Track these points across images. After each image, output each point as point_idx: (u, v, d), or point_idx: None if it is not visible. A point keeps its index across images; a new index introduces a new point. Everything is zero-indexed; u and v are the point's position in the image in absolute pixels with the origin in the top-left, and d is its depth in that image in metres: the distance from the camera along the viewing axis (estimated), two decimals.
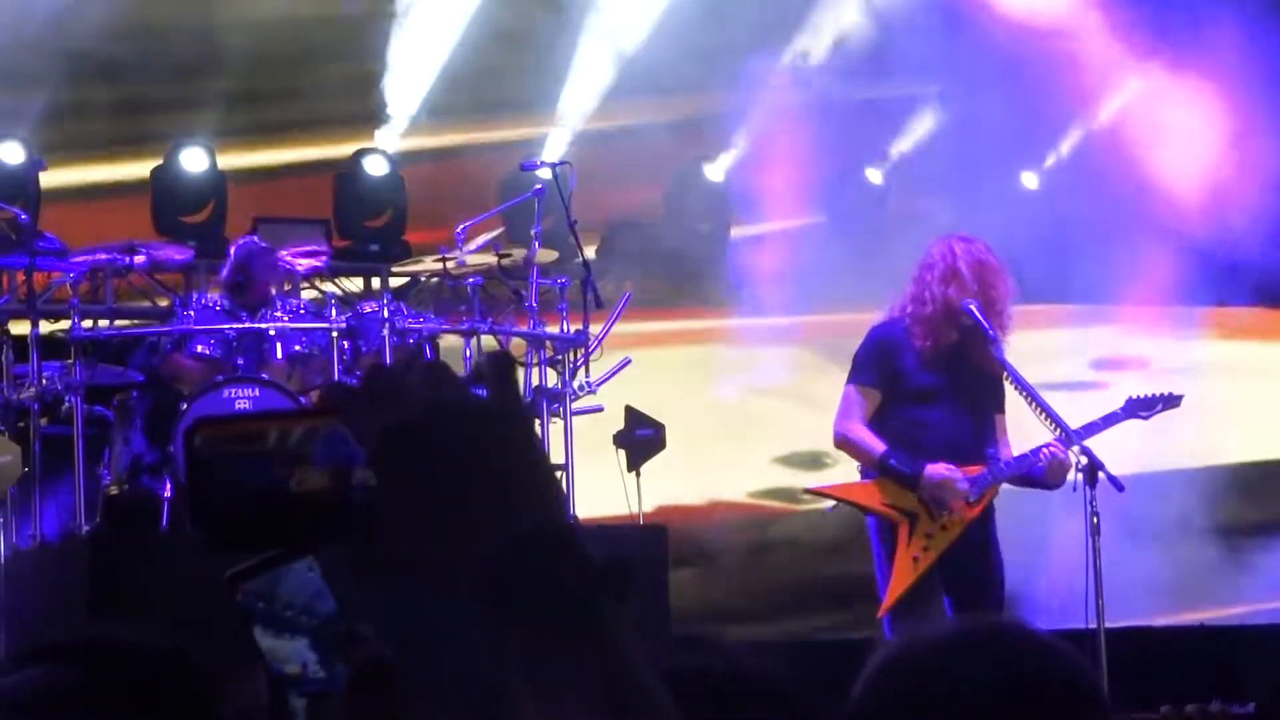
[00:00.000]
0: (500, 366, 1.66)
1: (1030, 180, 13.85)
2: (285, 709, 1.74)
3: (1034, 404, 8.26)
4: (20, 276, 10.47)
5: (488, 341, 10.18)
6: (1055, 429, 8.24)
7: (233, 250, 10.20)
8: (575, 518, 9.97)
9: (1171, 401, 8.70)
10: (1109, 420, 8.46)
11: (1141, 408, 8.59)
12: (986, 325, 7.99)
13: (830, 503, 8.49)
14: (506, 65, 12.64)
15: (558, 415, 10.09)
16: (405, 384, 1.62)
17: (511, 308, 10.66)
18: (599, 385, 10.41)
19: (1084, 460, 8.25)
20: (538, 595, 1.61)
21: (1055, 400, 8.48)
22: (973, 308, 7.98)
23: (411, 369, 1.61)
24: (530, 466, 1.65)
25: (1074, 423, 8.29)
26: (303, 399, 9.40)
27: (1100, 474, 8.21)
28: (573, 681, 1.64)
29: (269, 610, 1.69)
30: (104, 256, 10.22)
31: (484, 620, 1.65)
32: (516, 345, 10.35)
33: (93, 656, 2.01)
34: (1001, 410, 8.24)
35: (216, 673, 2.13)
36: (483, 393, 1.64)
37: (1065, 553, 9.17)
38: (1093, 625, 8.27)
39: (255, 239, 10.44)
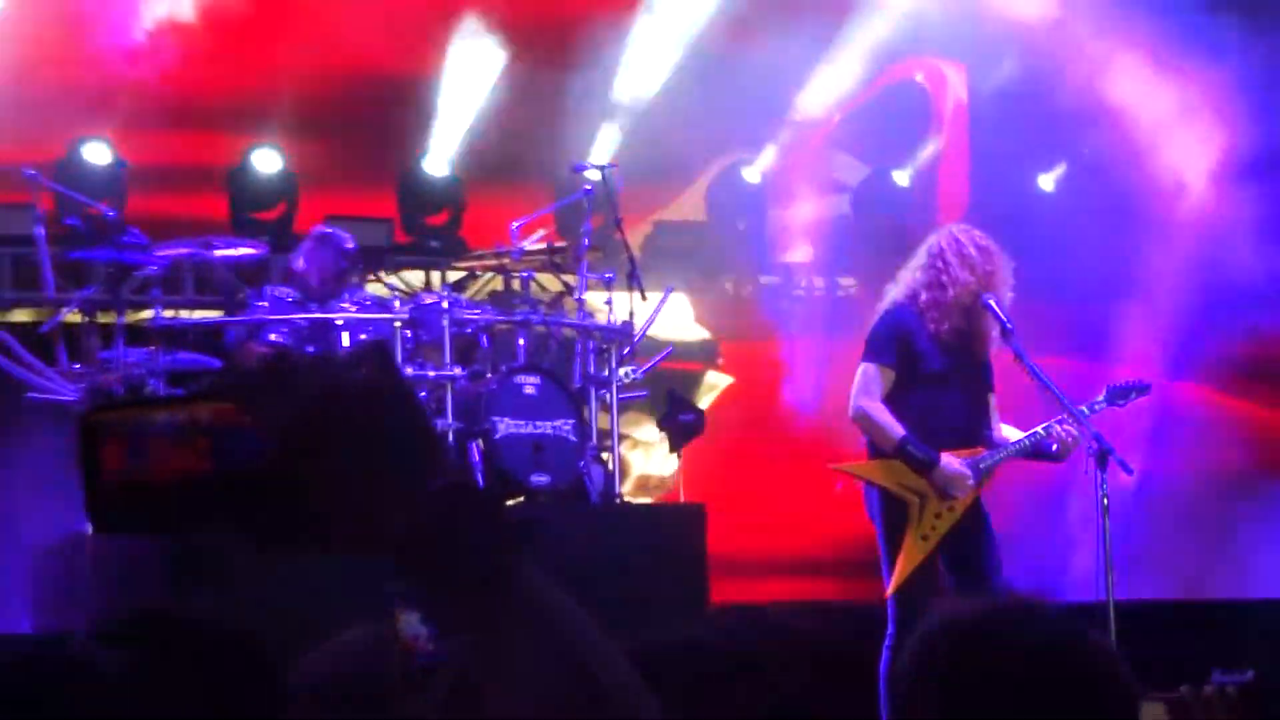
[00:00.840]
0: (377, 351, 1.76)
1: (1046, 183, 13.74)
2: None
3: (1046, 388, 8.22)
4: (109, 269, 10.43)
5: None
6: (1065, 412, 8.25)
7: (303, 246, 10.33)
8: (620, 495, 10.15)
9: (1142, 389, 8.67)
10: (1093, 408, 8.39)
11: (1119, 395, 8.56)
12: (1005, 319, 8.02)
13: (839, 485, 8.46)
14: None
15: (605, 400, 10.16)
16: (297, 375, 1.70)
17: (562, 300, 10.67)
18: (643, 373, 10.50)
19: (1095, 445, 8.31)
20: (454, 551, 1.69)
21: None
22: (991, 301, 8.02)
23: (300, 362, 1.78)
24: (423, 435, 1.74)
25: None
26: None
27: (1110, 457, 8.19)
28: (503, 628, 1.72)
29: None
30: (184, 251, 10.29)
31: (409, 578, 1.71)
32: (567, 335, 10.40)
33: (170, 632, 2.03)
34: (993, 390, 8.23)
35: (284, 648, 2.18)
36: (362, 376, 1.70)
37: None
38: (1103, 599, 8.23)
39: (321, 235, 10.48)
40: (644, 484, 12.19)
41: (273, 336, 9.79)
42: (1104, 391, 8.52)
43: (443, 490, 1.71)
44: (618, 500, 9.97)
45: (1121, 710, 2.31)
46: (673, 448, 10.87)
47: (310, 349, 9.66)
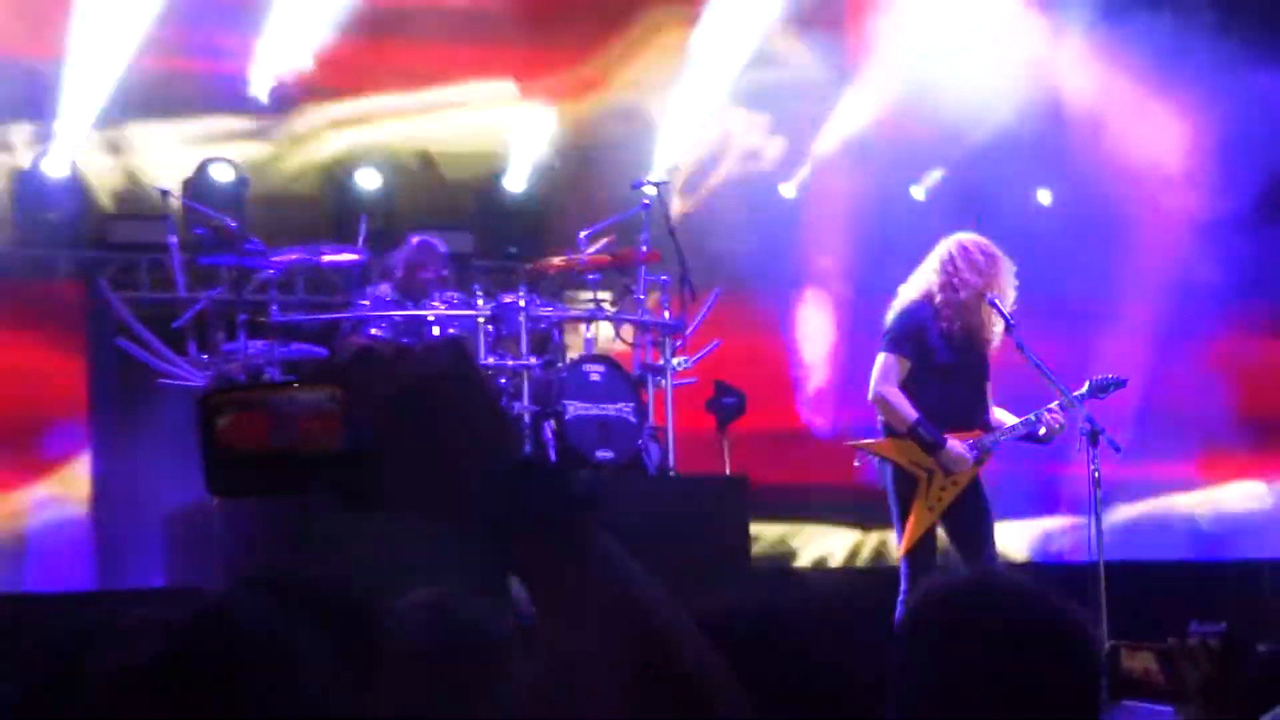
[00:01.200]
0: (454, 344, 1.85)
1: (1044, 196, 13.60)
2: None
3: (1044, 376, 8.27)
4: (232, 272, 10.47)
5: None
6: (1062, 398, 8.27)
7: (398, 251, 10.32)
8: (673, 469, 10.11)
9: (1119, 383, 8.60)
10: (1079, 400, 8.34)
11: (1099, 389, 8.49)
12: (1007, 316, 8.06)
13: (858, 461, 8.36)
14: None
15: (660, 386, 10.10)
16: (384, 364, 1.69)
17: (623, 299, 10.66)
18: (694, 363, 10.46)
19: (1088, 425, 8.32)
20: (525, 516, 1.67)
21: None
22: (996, 301, 8.05)
23: (386, 352, 1.78)
24: (493, 417, 1.73)
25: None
26: None
27: (1101, 437, 8.27)
28: (572, 584, 1.69)
29: None
30: (296, 257, 10.34)
31: (485, 539, 1.69)
32: (627, 330, 10.35)
33: (290, 588, 2.03)
34: (989, 380, 8.25)
35: (384, 604, 2.17)
36: (440, 365, 1.71)
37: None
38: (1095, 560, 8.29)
39: (416, 242, 10.46)
40: None
41: (373, 331, 9.76)
42: (1086, 384, 8.46)
43: (514, 466, 1.70)
44: (671, 473, 9.95)
45: (1083, 665, 2.32)
46: (719, 427, 10.87)
47: (405, 341, 9.62)
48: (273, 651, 1.80)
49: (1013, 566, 8.44)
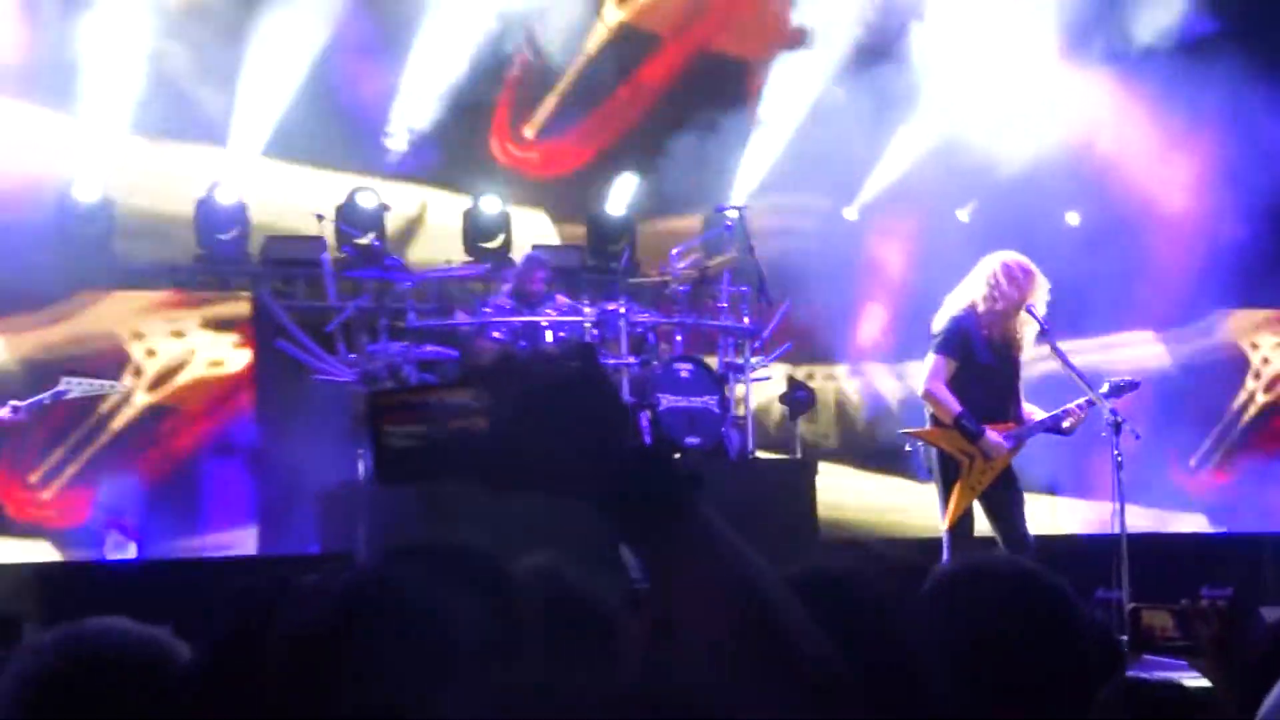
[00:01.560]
0: (585, 348, 1.82)
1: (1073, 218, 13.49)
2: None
3: (1075, 376, 8.31)
4: (375, 284, 10.69)
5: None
6: (1089, 395, 8.30)
7: (517, 266, 10.44)
8: (752, 453, 10.15)
9: (1134, 385, 8.64)
10: (1104, 397, 8.35)
11: (1116, 391, 8.49)
12: (1043, 322, 8.09)
13: (909, 446, 8.37)
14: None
15: (741, 382, 10.16)
16: (522, 365, 1.72)
17: (709, 307, 10.65)
18: (770, 361, 10.53)
19: (1111, 417, 8.36)
20: (641, 495, 1.67)
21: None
22: (1034, 310, 8.10)
23: (522, 355, 1.81)
24: (617, 409, 1.73)
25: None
26: None
27: (1123, 426, 8.32)
28: (680, 553, 1.68)
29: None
30: (431, 271, 10.54)
31: (604, 515, 1.69)
32: (710, 334, 10.40)
33: (432, 555, 1.96)
34: (1020, 379, 8.22)
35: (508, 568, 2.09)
36: (573, 366, 1.71)
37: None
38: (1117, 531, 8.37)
39: (524, 257, 10.56)
40: None
41: (495, 334, 9.83)
42: (1106, 384, 8.47)
43: (631, 450, 1.71)
44: (750, 456, 10.00)
45: (1073, 629, 2.29)
46: (791, 418, 10.87)
47: (522, 344, 9.71)
48: (428, 613, 1.80)
49: (1041, 539, 8.41)
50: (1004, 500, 8.10)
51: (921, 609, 2.33)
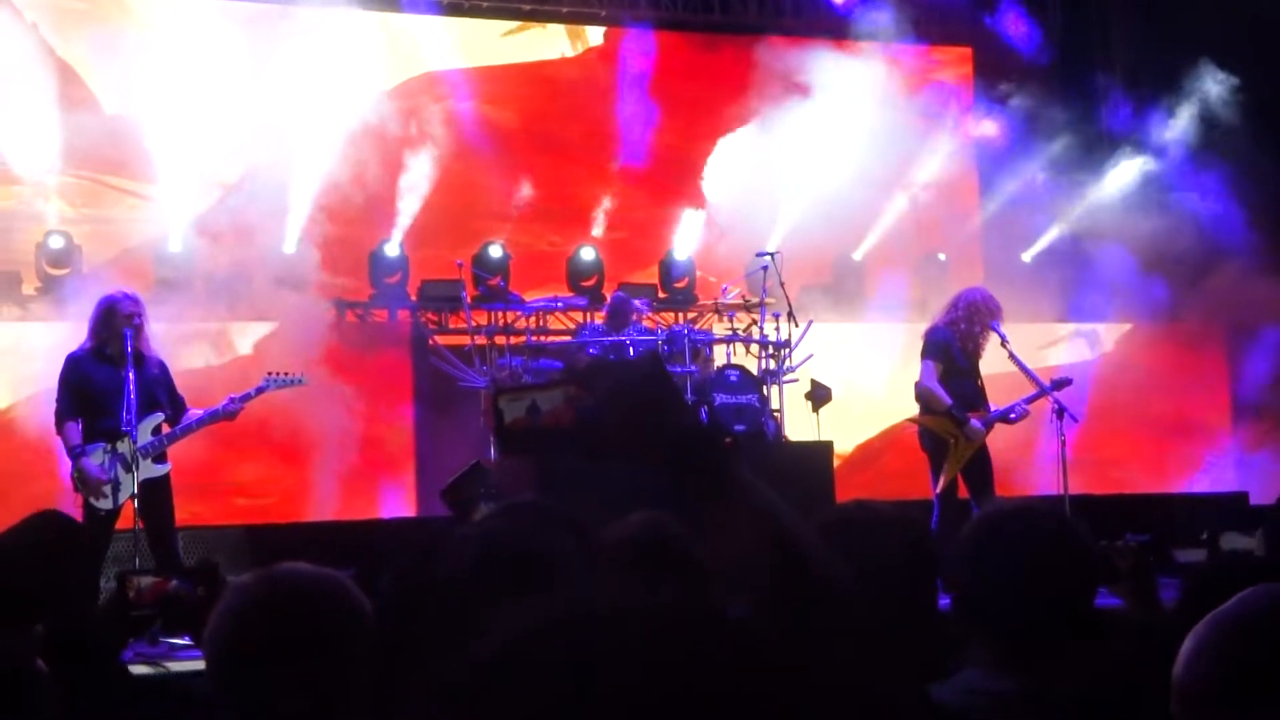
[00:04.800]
0: (654, 356, 1.89)
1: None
2: None
3: (1028, 376, 8.29)
4: (501, 314, 10.73)
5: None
6: (1042, 388, 8.26)
7: (610, 305, 10.42)
8: (785, 437, 10.05)
9: (1068, 381, 8.63)
10: (1049, 389, 8.37)
11: (1057, 384, 8.48)
12: (1003, 335, 8.10)
13: (913, 427, 8.37)
14: None
15: (775, 383, 10.07)
16: (610, 367, 1.80)
17: (753, 327, 10.61)
18: (796, 368, 10.43)
19: (1057, 405, 8.32)
20: (696, 463, 1.68)
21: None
22: (999, 326, 8.08)
23: (609, 362, 1.80)
24: (678, 399, 1.76)
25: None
26: None
27: (1065, 413, 8.28)
28: (729, 514, 1.69)
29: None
30: (542, 304, 10.58)
31: (668, 480, 1.70)
32: (752, 350, 10.30)
33: (538, 510, 2.00)
34: (978, 375, 8.19)
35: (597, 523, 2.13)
36: (646, 369, 1.74)
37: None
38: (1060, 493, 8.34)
39: (612, 297, 10.54)
40: None
41: (590, 351, 9.82)
42: (1050, 381, 8.47)
43: (687, 430, 1.71)
44: (783, 440, 9.93)
45: (1082, 565, 2.27)
46: (814, 409, 10.79)
47: (613, 357, 9.70)
48: (537, 554, 1.82)
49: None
50: (981, 473, 8.05)
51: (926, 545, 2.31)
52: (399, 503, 10.88)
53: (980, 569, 2.21)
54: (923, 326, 8.49)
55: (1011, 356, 8.20)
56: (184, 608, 2.71)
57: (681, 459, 1.68)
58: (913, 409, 8.36)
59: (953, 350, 8.06)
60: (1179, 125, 12.51)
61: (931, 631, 2.32)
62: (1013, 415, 8.19)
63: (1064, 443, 8.36)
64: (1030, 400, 8.26)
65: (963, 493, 8.07)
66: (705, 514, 1.70)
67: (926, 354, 8.12)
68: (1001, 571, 2.18)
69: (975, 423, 7.99)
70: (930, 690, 2.15)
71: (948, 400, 7.97)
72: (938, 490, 8.03)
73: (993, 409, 8.16)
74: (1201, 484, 11.99)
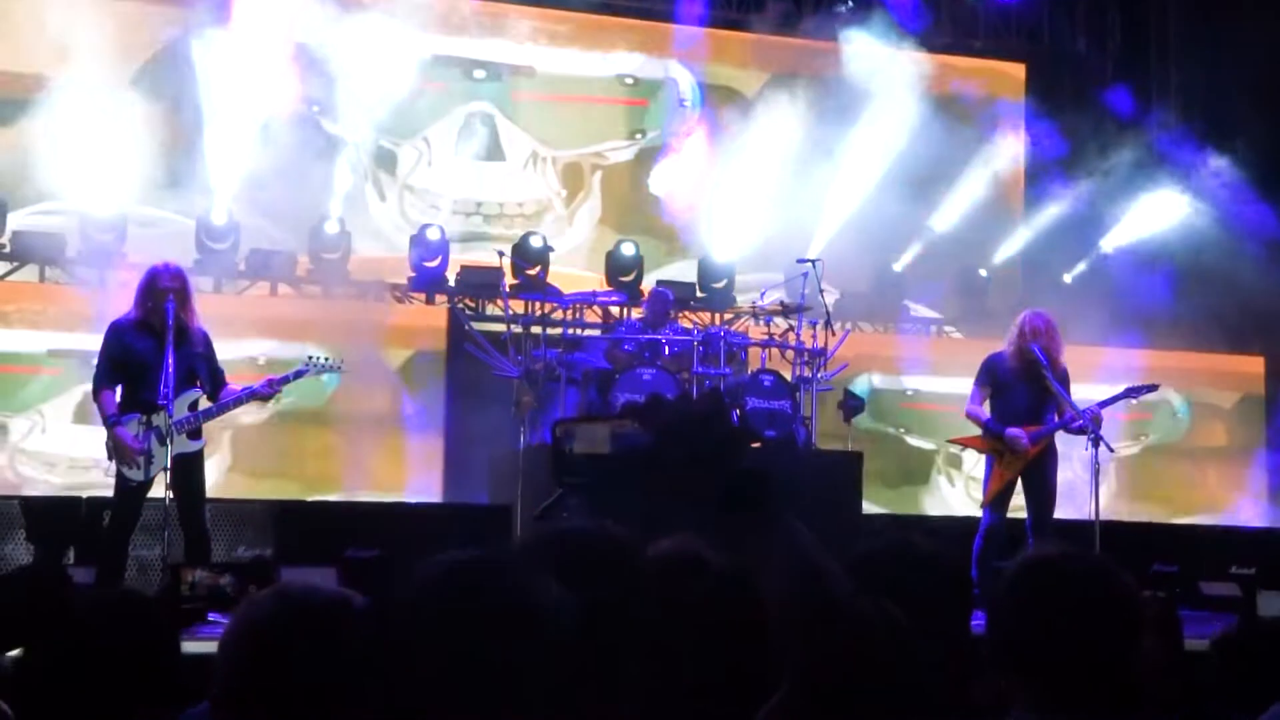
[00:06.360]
0: (715, 396, 1.92)
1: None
2: None
3: (1063, 400, 8.26)
4: (538, 305, 10.70)
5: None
6: (1077, 415, 8.22)
7: (649, 300, 10.38)
8: (815, 444, 10.01)
9: (1152, 388, 8.73)
10: (1114, 399, 8.47)
11: (1133, 393, 8.58)
12: (1044, 359, 8.14)
13: (956, 447, 8.51)
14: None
15: (809, 391, 10.00)
16: (671, 406, 1.84)
17: (789, 333, 10.55)
18: (830, 377, 10.40)
19: (1093, 433, 8.26)
20: (745, 503, 1.77)
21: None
22: (1037, 349, 8.12)
23: (673, 401, 1.83)
24: (735, 443, 1.86)
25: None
26: (676, 375, 9.41)
27: (1101, 441, 8.23)
28: (765, 541, 1.77)
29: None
30: (579, 296, 10.56)
31: (715, 513, 1.80)
32: (787, 356, 10.25)
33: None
34: (1049, 392, 8.21)
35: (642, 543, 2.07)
36: (702, 408, 1.85)
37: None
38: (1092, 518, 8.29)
39: (651, 292, 10.50)
40: None
41: (625, 347, 9.76)
42: (1124, 390, 8.58)
43: (740, 471, 1.77)
44: (813, 448, 9.90)
45: (1125, 614, 2.23)
46: (845, 419, 10.76)
47: (647, 355, 9.64)
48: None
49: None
50: (1035, 484, 8.20)
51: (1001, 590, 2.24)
52: (427, 486, 10.89)
53: (1023, 617, 2.19)
54: (958, 339, 8.56)
55: (1048, 380, 8.19)
56: (235, 604, 2.70)
57: (730, 498, 1.73)
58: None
59: (999, 370, 8.27)
60: (1225, 159, 12.44)
61: (959, 660, 2.31)
62: (1073, 427, 8.19)
63: (1097, 469, 8.31)
64: (1065, 423, 8.25)
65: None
66: (746, 549, 1.76)
67: (975, 378, 8.38)
68: (1045, 622, 2.17)
69: (1013, 431, 8.13)
70: None
71: (983, 418, 8.24)
72: (985, 500, 8.29)
73: (1049, 423, 8.27)
74: (1232, 516, 11.86)
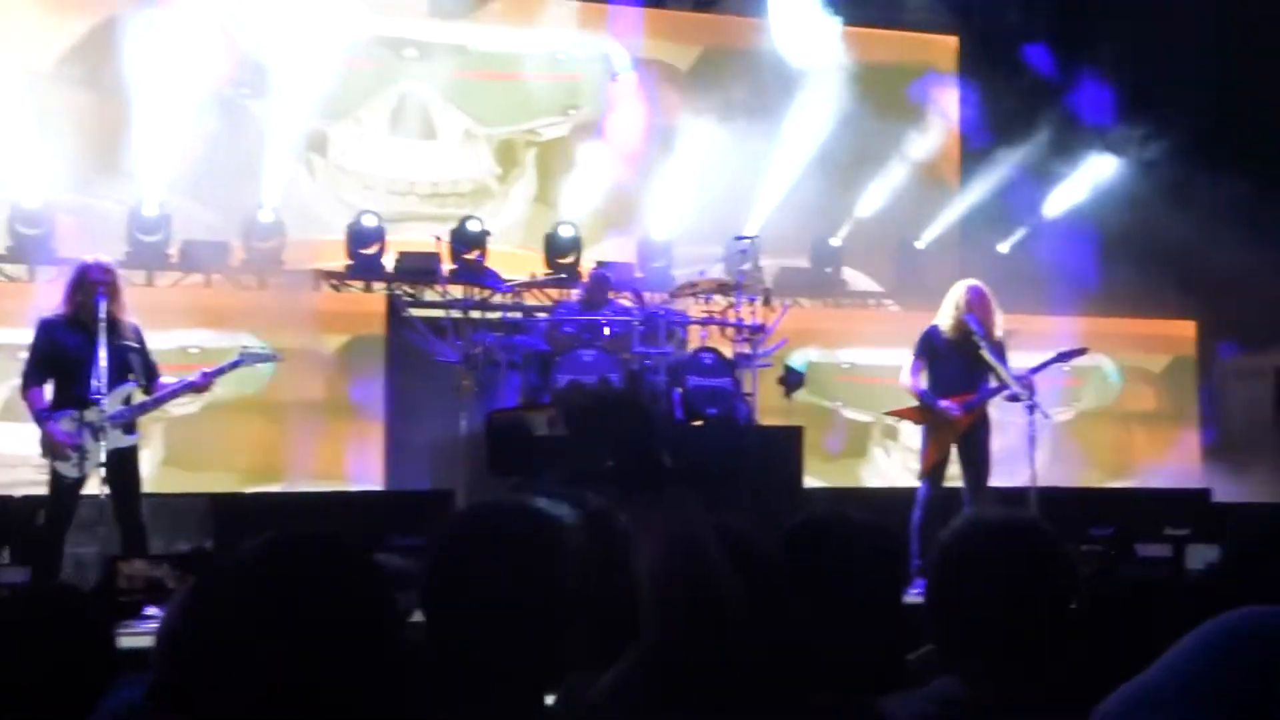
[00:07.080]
0: (634, 383, 1.99)
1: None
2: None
3: (1001, 370, 8.31)
4: (477, 289, 10.64)
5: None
6: (1012, 386, 8.29)
7: (587, 282, 10.37)
8: (755, 421, 10.02)
9: (1081, 351, 8.77)
10: (1045, 364, 8.48)
11: (1063, 357, 8.60)
12: (979, 329, 8.21)
13: (893, 419, 8.54)
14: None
15: (749, 368, 10.04)
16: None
17: (729, 310, 10.50)
18: (771, 353, 10.42)
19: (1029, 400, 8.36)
20: (641, 481, 1.82)
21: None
22: (972, 320, 8.17)
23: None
24: (641, 428, 1.87)
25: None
26: (616, 355, 9.39)
27: (1037, 409, 8.32)
28: (656, 520, 1.82)
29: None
30: (519, 281, 10.52)
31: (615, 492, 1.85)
32: (727, 333, 10.24)
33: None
34: (985, 363, 8.25)
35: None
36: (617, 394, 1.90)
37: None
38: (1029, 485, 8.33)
39: (589, 275, 10.49)
40: None
41: (566, 329, 9.72)
42: (1054, 355, 8.58)
43: (642, 453, 1.82)
44: (754, 424, 9.94)
45: (1059, 572, 2.25)
46: (786, 395, 10.81)
47: (586, 336, 9.63)
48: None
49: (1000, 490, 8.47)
50: (970, 454, 8.27)
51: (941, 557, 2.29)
52: (367, 474, 10.84)
53: (959, 583, 2.21)
54: (896, 311, 8.60)
55: (984, 350, 8.24)
56: (172, 594, 2.69)
57: (631, 479, 1.81)
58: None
59: (935, 343, 8.27)
60: (1156, 124, 12.55)
61: (891, 630, 2.36)
62: (1007, 394, 8.24)
63: (1033, 437, 8.38)
64: (996, 392, 8.32)
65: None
66: (637, 524, 1.83)
67: (914, 350, 8.38)
68: (981, 586, 2.18)
69: (945, 403, 8.16)
70: (897, 701, 2.16)
71: (916, 389, 8.25)
72: (921, 473, 8.33)
73: (979, 392, 8.30)
74: (1165, 477, 12.06)
